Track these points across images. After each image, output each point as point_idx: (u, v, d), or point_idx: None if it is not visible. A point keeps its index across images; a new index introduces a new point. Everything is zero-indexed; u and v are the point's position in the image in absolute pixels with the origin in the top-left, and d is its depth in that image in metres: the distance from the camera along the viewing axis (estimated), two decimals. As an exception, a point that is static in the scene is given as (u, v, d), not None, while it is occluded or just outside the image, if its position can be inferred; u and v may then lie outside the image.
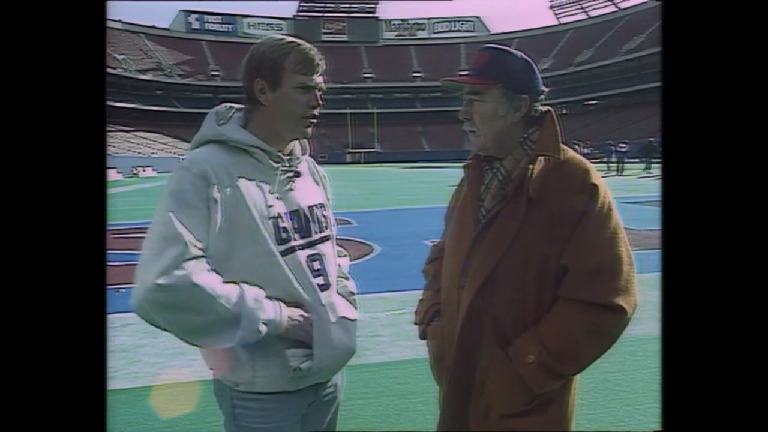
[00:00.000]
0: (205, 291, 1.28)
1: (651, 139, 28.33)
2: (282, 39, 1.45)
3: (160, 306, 1.26)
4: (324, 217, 1.57)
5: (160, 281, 1.24)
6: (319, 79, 1.47)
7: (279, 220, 1.41)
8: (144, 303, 1.26)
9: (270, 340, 1.37)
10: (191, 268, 1.28)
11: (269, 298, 1.39)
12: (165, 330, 1.32)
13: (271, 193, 1.43)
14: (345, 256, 1.75)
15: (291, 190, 1.49)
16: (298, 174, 1.53)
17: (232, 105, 1.53)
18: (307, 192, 1.54)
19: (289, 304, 1.41)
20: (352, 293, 1.67)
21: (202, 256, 1.32)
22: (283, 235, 1.41)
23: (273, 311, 1.37)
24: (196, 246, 1.31)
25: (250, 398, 1.41)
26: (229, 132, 1.43)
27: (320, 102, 1.49)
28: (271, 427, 1.42)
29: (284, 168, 1.48)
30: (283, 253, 1.41)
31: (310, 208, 1.52)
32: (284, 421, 1.44)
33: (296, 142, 1.56)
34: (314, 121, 1.50)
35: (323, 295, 1.49)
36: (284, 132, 1.49)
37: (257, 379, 1.39)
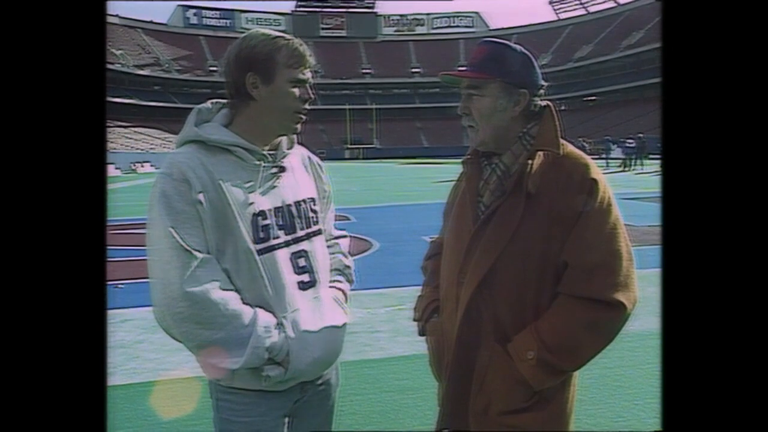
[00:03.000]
0: (219, 308, 1.32)
1: (640, 135, 28.33)
2: (270, 34, 1.45)
3: (179, 317, 1.30)
4: (313, 211, 1.55)
5: (186, 288, 1.29)
6: (308, 73, 1.47)
7: (260, 217, 1.41)
8: (167, 313, 1.31)
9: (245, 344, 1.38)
10: (206, 280, 1.31)
11: (277, 324, 1.41)
12: (179, 341, 1.37)
13: (252, 191, 1.41)
14: (344, 237, 1.77)
15: (275, 186, 1.48)
16: (283, 169, 1.51)
17: (218, 101, 1.51)
18: (294, 187, 1.53)
19: (263, 306, 1.41)
20: (348, 266, 1.70)
21: (209, 260, 1.34)
22: (262, 234, 1.41)
23: (279, 340, 1.39)
24: (200, 251, 1.32)
25: (231, 392, 1.43)
26: (208, 132, 1.42)
27: (311, 95, 1.48)
28: (251, 421, 1.43)
29: (267, 164, 1.47)
30: (262, 252, 1.40)
31: (297, 203, 1.51)
32: (266, 416, 1.44)
33: (283, 136, 1.55)
34: (304, 116, 1.49)
35: (307, 294, 1.48)
36: (274, 127, 1.48)
37: (236, 376, 1.39)
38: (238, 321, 1.34)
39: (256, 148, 1.44)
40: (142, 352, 4.10)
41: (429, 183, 20.23)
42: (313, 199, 1.58)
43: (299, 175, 1.58)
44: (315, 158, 1.69)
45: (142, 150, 51.45)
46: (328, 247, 1.66)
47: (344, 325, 1.58)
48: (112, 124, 55.04)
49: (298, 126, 1.50)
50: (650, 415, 2.93)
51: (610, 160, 29.22)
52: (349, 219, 10.96)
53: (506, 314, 1.38)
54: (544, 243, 1.34)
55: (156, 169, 38.98)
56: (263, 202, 1.43)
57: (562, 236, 1.34)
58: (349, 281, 1.68)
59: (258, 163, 1.45)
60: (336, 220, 1.78)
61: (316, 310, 1.50)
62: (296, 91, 1.44)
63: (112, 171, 34.18)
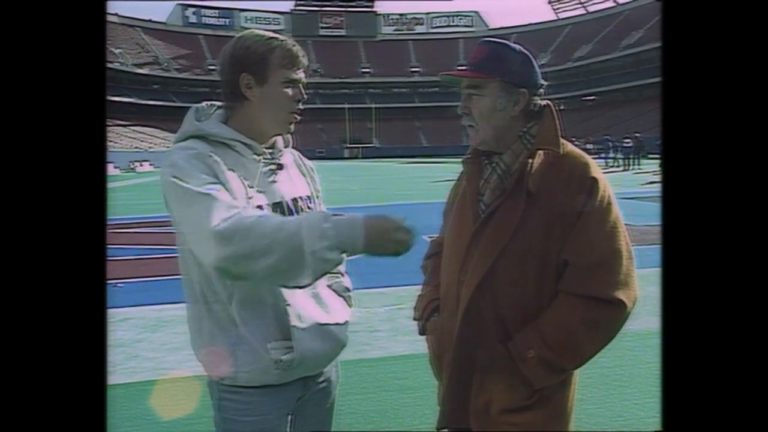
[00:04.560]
0: (257, 231, 1.23)
1: (637, 134, 28.47)
2: (264, 34, 1.45)
3: (230, 259, 1.22)
4: (309, 209, 1.56)
5: (218, 228, 1.21)
6: (301, 74, 1.48)
7: (258, 211, 1.40)
8: (222, 263, 1.23)
9: (251, 335, 1.37)
10: (229, 212, 1.26)
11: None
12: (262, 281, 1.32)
13: (252, 186, 1.42)
14: None
15: (274, 182, 1.48)
16: (281, 166, 1.52)
17: (213, 102, 1.53)
18: (291, 184, 1.54)
19: (263, 297, 1.39)
20: (348, 288, 1.66)
21: (224, 195, 1.31)
22: None
23: (346, 231, 1.25)
24: (227, 195, 1.31)
25: (234, 391, 1.42)
26: (209, 127, 1.43)
27: (304, 96, 1.49)
28: (255, 420, 1.42)
29: (266, 160, 1.48)
30: None
31: (294, 200, 1.51)
32: (270, 415, 1.44)
33: (278, 136, 1.56)
34: (298, 116, 1.50)
35: (306, 288, 1.47)
36: (268, 127, 1.49)
37: (240, 373, 1.39)
38: (281, 235, 1.23)
39: (254, 144, 1.46)
40: (142, 351, 4.10)
41: (428, 182, 20.23)
42: (309, 197, 1.59)
43: (294, 174, 1.59)
44: (307, 161, 1.69)
45: (141, 149, 51.43)
46: None
47: (346, 322, 1.57)
48: (111, 123, 55.01)
49: (293, 125, 1.51)
50: (650, 415, 2.93)
51: (608, 160, 29.26)
52: (348, 218, 10.93)
53: (507, 313, 1.38)
54: (544, 242, 1.35)
55: (155, 168, 38.98)
56: (261, 197, 1.43)
57: (562, 235, 1.34)
58: (349, 305, 1.64)
59: (257, 158, 1.45)
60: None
61: (316, 303, 1.50)
62: (290, 91, 1.45)
63: (111, 170, 34.15)
